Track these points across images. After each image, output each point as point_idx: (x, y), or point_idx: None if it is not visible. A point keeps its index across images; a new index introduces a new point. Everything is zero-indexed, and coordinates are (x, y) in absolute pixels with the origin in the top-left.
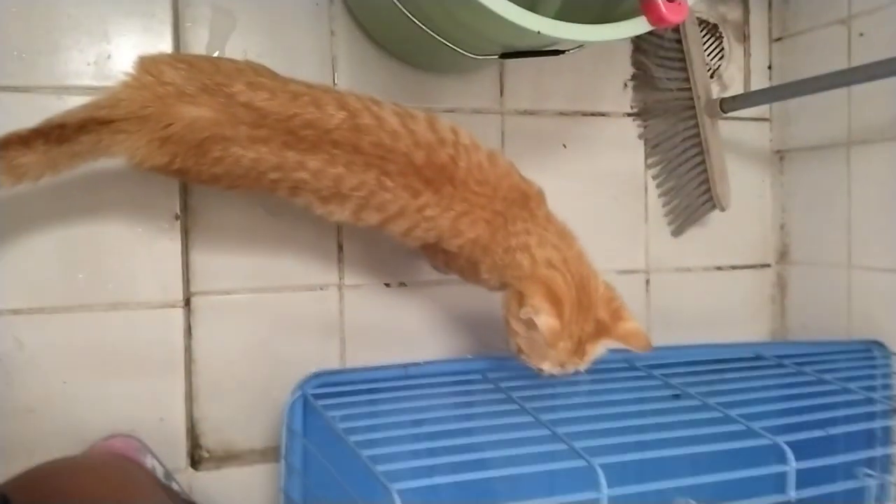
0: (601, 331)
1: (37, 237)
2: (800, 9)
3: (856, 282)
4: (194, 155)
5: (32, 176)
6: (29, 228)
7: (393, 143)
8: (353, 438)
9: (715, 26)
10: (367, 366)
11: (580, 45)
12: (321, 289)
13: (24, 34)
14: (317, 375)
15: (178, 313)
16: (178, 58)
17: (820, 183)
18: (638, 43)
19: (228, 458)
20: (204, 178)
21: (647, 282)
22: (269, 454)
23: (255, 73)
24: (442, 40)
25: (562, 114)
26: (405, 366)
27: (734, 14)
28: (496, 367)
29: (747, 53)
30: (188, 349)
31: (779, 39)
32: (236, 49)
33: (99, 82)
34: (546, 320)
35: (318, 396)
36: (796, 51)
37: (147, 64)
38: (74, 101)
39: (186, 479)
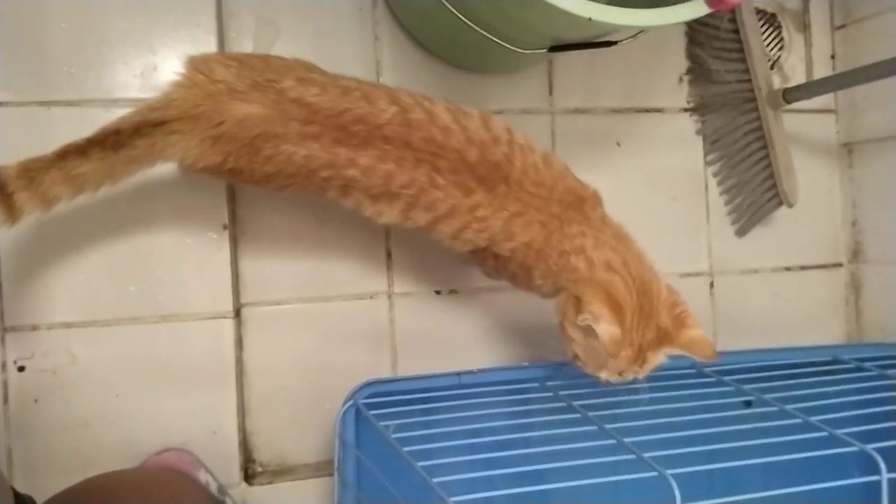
0: (663, 339)
1: (87, 250)
2: None
3: None
4: (246, 153)
5: (91, 186)
6: (80, 242)
7: (445, 139)
8: (407, 449)
9: (773, 16)
10: (419, 374)
11: (633, 36)
12: (371, 297)
13: (74, 49)
14: (368, 384)
15: (229, 324)
16: (229, 56)
17: (893, 176)
18: (692, 35)
19: (282, 472)
20: (257, 177)
21: (712, 285)
22: (323, 468)
23: (305, 69)
24: (489, 36)
25: (614, 111)
26: (459, 374)
27: (793, 2)
28: (554, 374)
29: (808, 43)
30: (239, 360)
31: (842, 27)
32: None
33: (145, 94)
34: (606, 328)
35: (370, 406)
36: (861, 38)
37: (198, 63)
38: (121, 113)
39: (240, 493)
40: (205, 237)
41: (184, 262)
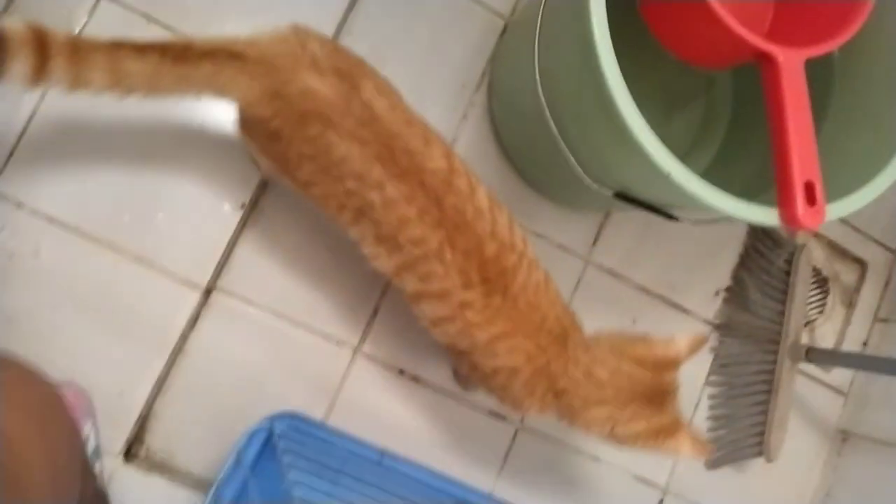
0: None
1: (110, 163)
2: None
3: None
4: (294, 122)
5: (129, 87)
6: (108, 152)
7: (473, 219)
8: (298, 494)
9: (825, 280)
10: (345, 433)
11: (696, 221)
12: (337, 343)
13: None
14: (293, 417)
15: (194, 298)
16: (329, 40)
17: (878, 481)
18: (745, 258)
19: (163, 467)
20: (291, 155)
21: (661, 502)
22: (201, 486)
23: (388, 86)
24: (569, 156)
25: (643, 289)
26: (384, 453)
27: (849, 277)
28: (473, 498)
29: (848, 321)
30: (184, 337)
31: (884, 321)
32: None
33: None
34: (687, 450)
35: (282, 437)
36: None
37: (299, 30)
38: None
39: (112, 465)
40: (219, 206)
41: (186, 219)
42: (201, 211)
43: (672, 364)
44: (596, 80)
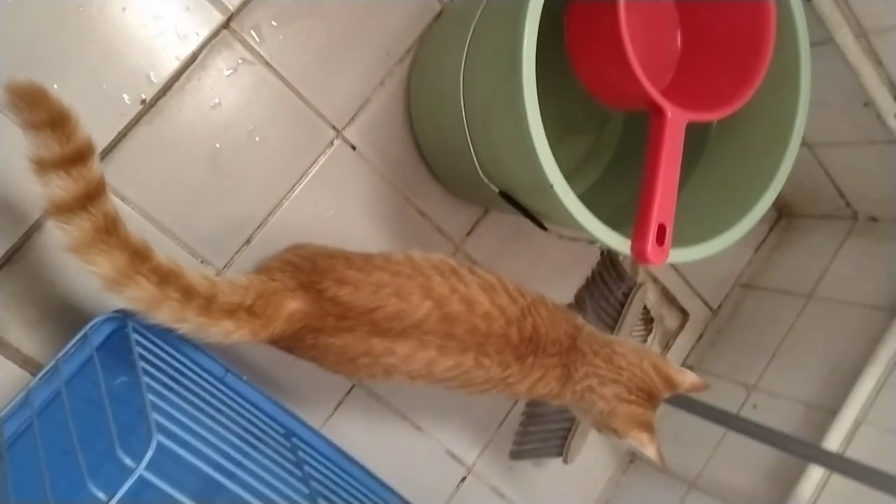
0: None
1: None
2: (720, 356)
3: None
4: (294, 340)
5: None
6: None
7: (488, 327)
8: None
9: (652, 319)
10: (196, 345)
11: (562, 237)
12: (202, 262)
13: None
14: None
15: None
16: (286, 261)
17: (648, 500)
18: (590, 283)
19: None
20: (307, 357)
21: (463, 479)
22: (28, 364)
23: (346, 265)
24: (469, 143)
25: None
26: (228, 370)
27: (672, 322)
28: (302, 432)
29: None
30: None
31: (689, 367)
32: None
33: None
34: (651, 449)
35: (136, 332)
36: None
37: (261, 268)
38: None
39: None
40: (118, 94)
41: (81, 97)
42: (99, 94)
43: (673, 386)
44: (513, 85)
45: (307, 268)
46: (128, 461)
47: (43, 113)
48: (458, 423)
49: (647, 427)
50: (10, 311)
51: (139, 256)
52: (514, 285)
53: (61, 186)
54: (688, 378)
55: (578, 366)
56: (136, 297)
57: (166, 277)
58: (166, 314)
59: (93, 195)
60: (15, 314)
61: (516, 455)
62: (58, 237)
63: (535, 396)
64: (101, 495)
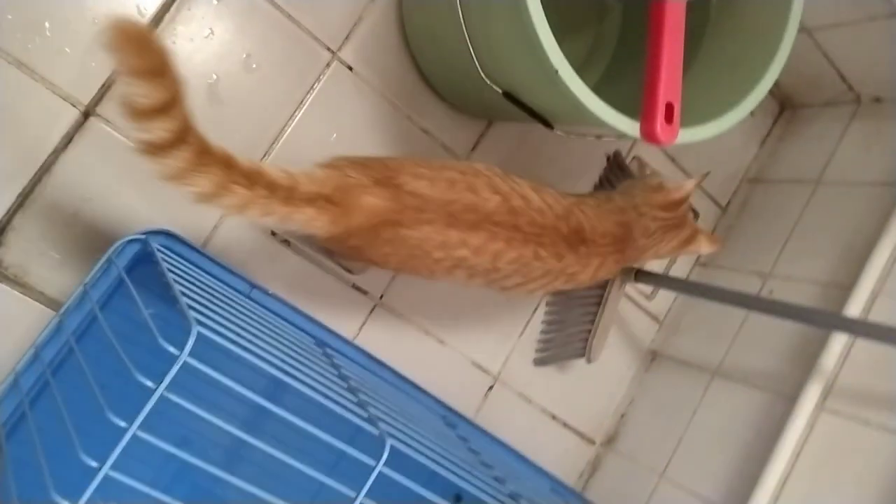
0: None
1: None
2: (732, 250)
3: (660, 492)
4: (371, 235)
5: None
6: None
7: (543, 219)
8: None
9: None
10: (220, 260)
11: (570, 133)
12: None
13: None
14: (168, 235)
15: (72, 115)
16: (354, 159)
17: (674, 396)
18: (597, 188)
19: (10, 279)
20: (375, 255)
21: (491, 388)
22: (54, 305)
23: (414, 164)
24: (469, 44)
25: None
26: (254, 285)
27: None
28: (334, 342)
29: (673, 260)
30: (56, 153)
31: (703, 265)
32: None
33: None
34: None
35: (161, 252)
36: (715, 277)
37: (332, 161)
38: None
39: None
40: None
41: (76, 34)
42: (89, 25)
43: (683, 202)
44: None
45: (377, 166)
46: (171, 349)
47: (147, 60)
48: (480, 335)
49: (689, 240)
50: (29, 255)
51: (228, 166)
52: (555, 190)
53: (163, 128)
54: (687, 186)
55: (632, 241)
56: (230, 203)
57: (253, 179)
58: (255, 210)
59: (189, 125)
60: (35, 257)
61: (541, 362)
62: (154, 169)
63: (600, 280)
64: (149, 383)
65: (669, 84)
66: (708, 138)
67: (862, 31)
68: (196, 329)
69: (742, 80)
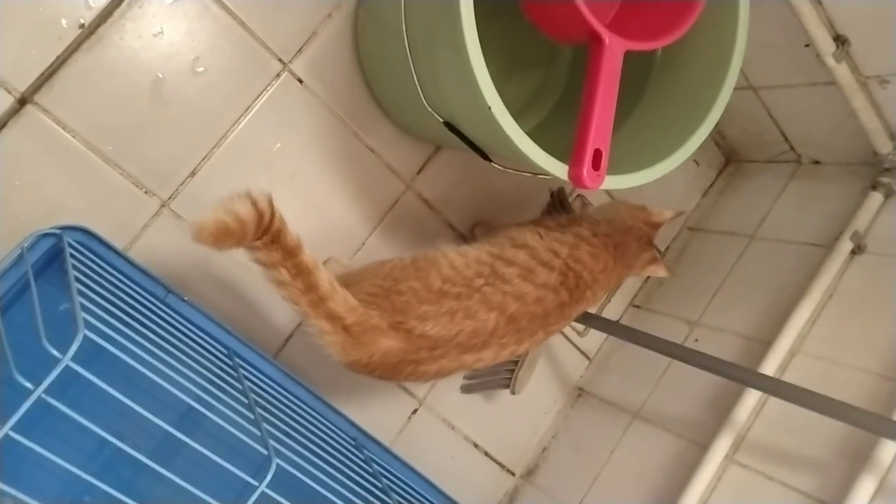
0: None
1: None
2: (665, 295)
3: None
4: (392, 370)
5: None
6: None
7: (543, 308)
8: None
9: None
10: (137, 262)
11: (506, 168)
12: (146, 193)
13: None
14: (86, 233)
15: (7, 101)
16: (369, 292)
17: (594, 434)
18: None
19: None
20: (400, 379)
21: (415, 412)
22: None
23: (415, 296)
24: (413, 72)
25: (451, 226)
26: (169, 290)
27: None
28: (247, 354)
29: (608, 299)
30: None
31: (636, 307)
32: None
33: None
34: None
35: (73, 249)
36: (646, 319)
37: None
38: None
39: None
40: (56, 19)
41: (17, 19)
42: (35, 15)
43: (658, 225)
44: (452, 15)
45: (388, 308)
46: (54, 352)
47: (236, 240)
48: None
49: (654, 261)
50: None
51: (290, 253)
52: (545, 246)
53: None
54: (665, 214)
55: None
56: (271, 276)
57: (301, 271)
58: (286, 294)
59: (280, 226)
60: None
61: (467, 389)
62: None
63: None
64: (28, 384)
65: (599, 131)
66: (633, 186)
67: (804, 96)
68: (82, 333)
69: (678, 133)
